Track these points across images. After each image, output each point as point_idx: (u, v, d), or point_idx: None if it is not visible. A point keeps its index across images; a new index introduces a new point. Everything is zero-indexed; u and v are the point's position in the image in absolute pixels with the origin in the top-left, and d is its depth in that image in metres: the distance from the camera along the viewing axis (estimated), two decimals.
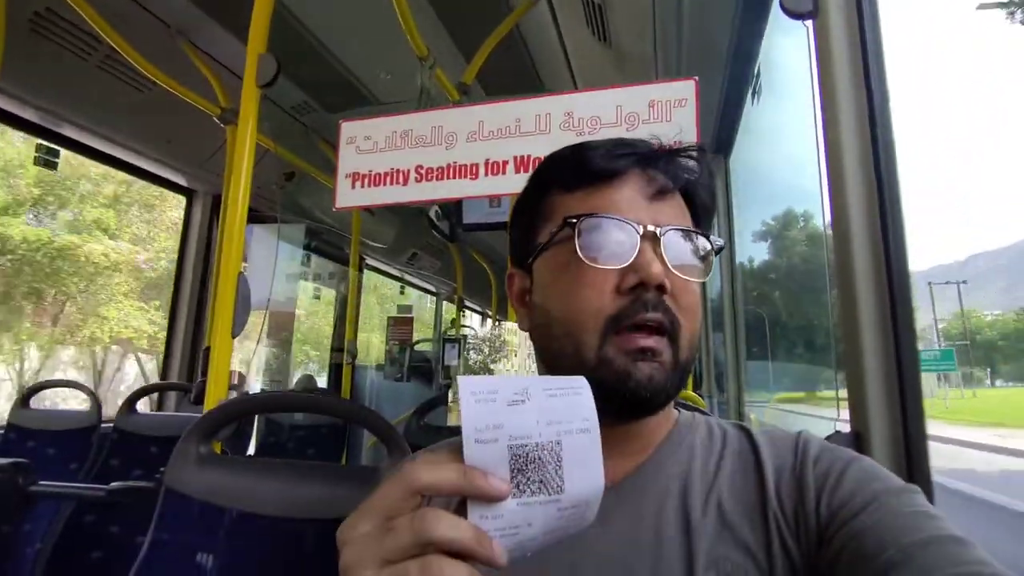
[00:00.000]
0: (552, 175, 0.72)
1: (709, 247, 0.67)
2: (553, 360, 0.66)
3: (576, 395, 0.44)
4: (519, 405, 0.42)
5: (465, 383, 0.42)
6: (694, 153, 0.70)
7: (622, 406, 0.61)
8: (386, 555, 0.40)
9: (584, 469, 0.43)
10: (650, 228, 0.63)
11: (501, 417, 0.42)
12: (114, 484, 1.29)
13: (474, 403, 0.41)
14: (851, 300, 0.94)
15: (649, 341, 0.61)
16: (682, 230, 0.65)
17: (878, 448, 0.87)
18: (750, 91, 2.57)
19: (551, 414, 0.42)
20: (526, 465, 0.42)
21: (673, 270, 0.63)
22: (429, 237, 4.75)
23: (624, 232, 0.63)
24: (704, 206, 0.71)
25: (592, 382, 0.52)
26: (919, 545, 0.48)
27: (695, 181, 0.70)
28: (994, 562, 0.47)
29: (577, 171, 0.68)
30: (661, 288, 0.61)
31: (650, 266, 0.61)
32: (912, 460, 0.86)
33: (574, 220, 0.64)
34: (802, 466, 0.61)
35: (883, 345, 0.90)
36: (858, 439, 0.89)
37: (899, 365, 0.88)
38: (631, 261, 0.62)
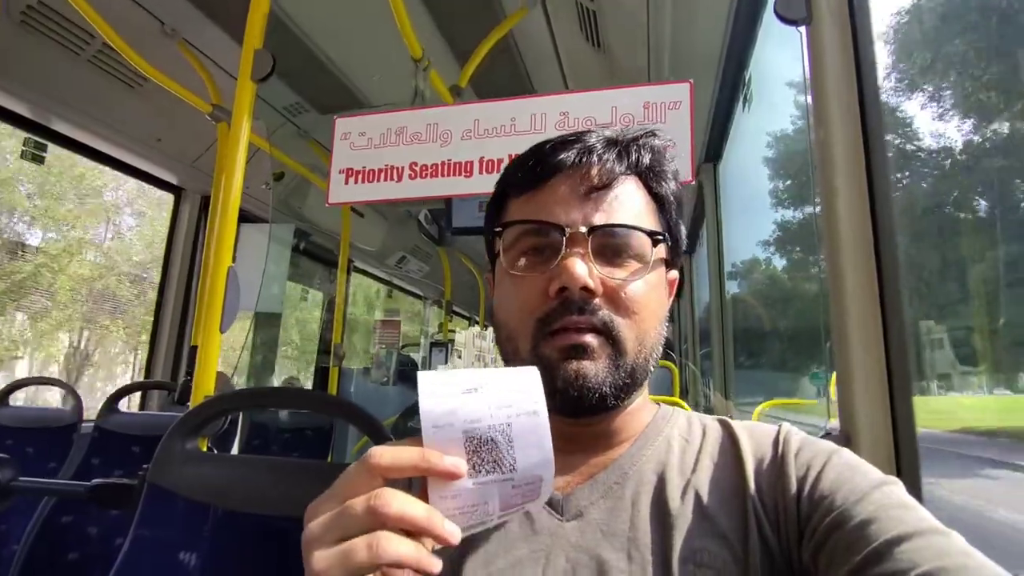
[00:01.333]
0: (505, 179, 0.72)
1: (647, 239, 0.65)
2: (505, 363, 0.67)
3: (526, 382, 0.47)
4: (473, 394, 0.46)
5: (424, 377, 0.46)
6: (646, 139, 0.70)
7: (562, 404, 0.62)
8: (342, 532, 0.42)
9: (534, 448, 0.46)
10: (580, 229, 0.63)
11: (455, 404, 0.45)
12: (95, 480, 1.27)
13: (431, 393, 0.45)
14: (842, 303, 0.94)
15: (578, 339, 0.61)
16: (614, 226, 0.64)
17: (868, 450, 0.87)
18: (741, 98, 2.59)
19: (502, 400, 0.46)
20: (480, 447, 0.45)
21: (606, 270, 0.63)
22: (418, 241, 4.75)
23: (549, 235, 0.64)
24: (665, 192, 0.70)
25: None
26: (902, 538, 0.48)
27: (645, 168, 0.69)
28: (977, 553, 0.48)
29: (522, 172, 0.69)
30: (588, 291, 0.61)
31: (572, 269, 0.61)
32: (901, 460, 0.86)
33: (500, 228, 0.67)
34: (783, 458, 0.61)
35: (873, 347, 0.90)
36: (848, 441, 0.90)
37: (888, 366, 0.89)
38: (555, 265, 0.62)
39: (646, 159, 0.68)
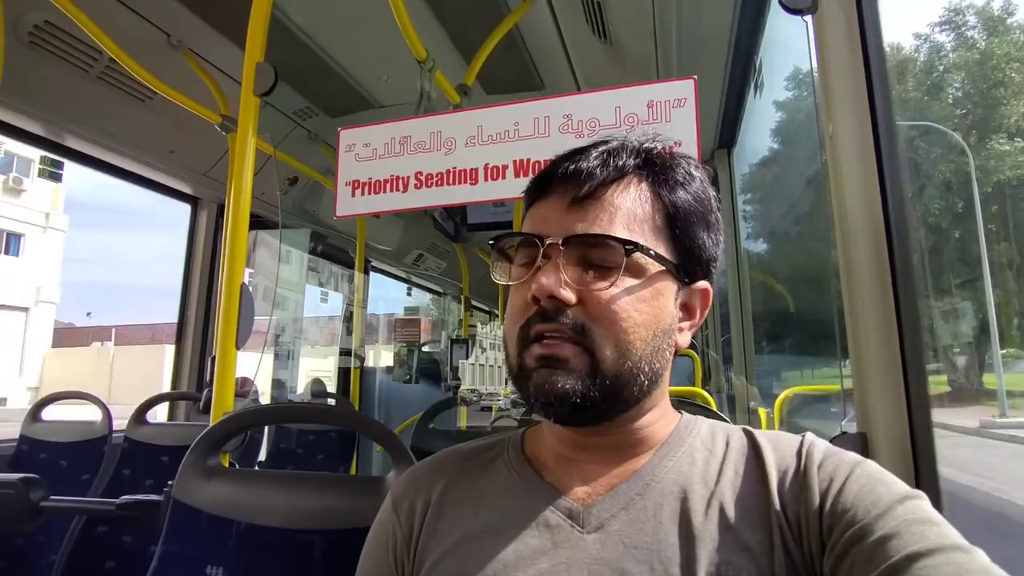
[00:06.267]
0: (526, 191, 0.74)
1: (620, 248, 0.64)
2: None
3: None
4: None
5: None
6: (653, 146, 0.70)
7: (542, 412, 0.64)
8: None
9: None
10: (554, 240, 0.64)
11: None
12: (123, 498, 1.30)
13: None
14: (855, 299, 0.93)
15: (548, 349, 0.62)
16: (585, 236, 0.64)
17: (885, 449, 0.86)
18: (752, 84, 2.56)
19: None
20: None
21: (579, 279, 0.63)
22: (434, 238, 4.76)
23: (529, 246, 0.66)
24: (675, 201, 0.68)
25: (520, 393, 0.64)
26: (922, 554, 0.48)
27: (657, 175, 0.68)
28: (998, 570, 0.47)
29: (535, 184, 0.71)
30: (557, 299, 0.62)
31: (540, 278, 0.62)
32: (919, 461, 0.85)
33: (492, 241, 0.70)
34: (806, 470, 0.60)
35: (888, 346, 0.89)
36: (864, 440, 0.89)
37: (904, 366, 0.87)
38: (530, 275, 0.64)
39: (632, 164, 0.68)
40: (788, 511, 0.59)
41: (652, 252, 0.65)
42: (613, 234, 0.64)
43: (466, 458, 0.75)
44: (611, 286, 0.63)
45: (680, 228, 0.68)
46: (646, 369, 0.64)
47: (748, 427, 0.69)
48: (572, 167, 0.67)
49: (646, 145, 0.71)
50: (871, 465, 0.60)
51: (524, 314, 0.64)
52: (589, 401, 0.61)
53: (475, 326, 6.35)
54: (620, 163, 0.67)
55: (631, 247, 0.64)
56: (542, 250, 0.64)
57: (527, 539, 0.63)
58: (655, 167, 0.69)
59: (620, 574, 0.59)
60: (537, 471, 0.70)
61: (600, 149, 0.69)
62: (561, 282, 0.62)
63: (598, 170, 0.66)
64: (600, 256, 0.64)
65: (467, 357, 5.18)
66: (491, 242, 0.70)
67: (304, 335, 4.54)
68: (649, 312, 0.64)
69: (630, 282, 0.64)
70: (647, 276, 0.65)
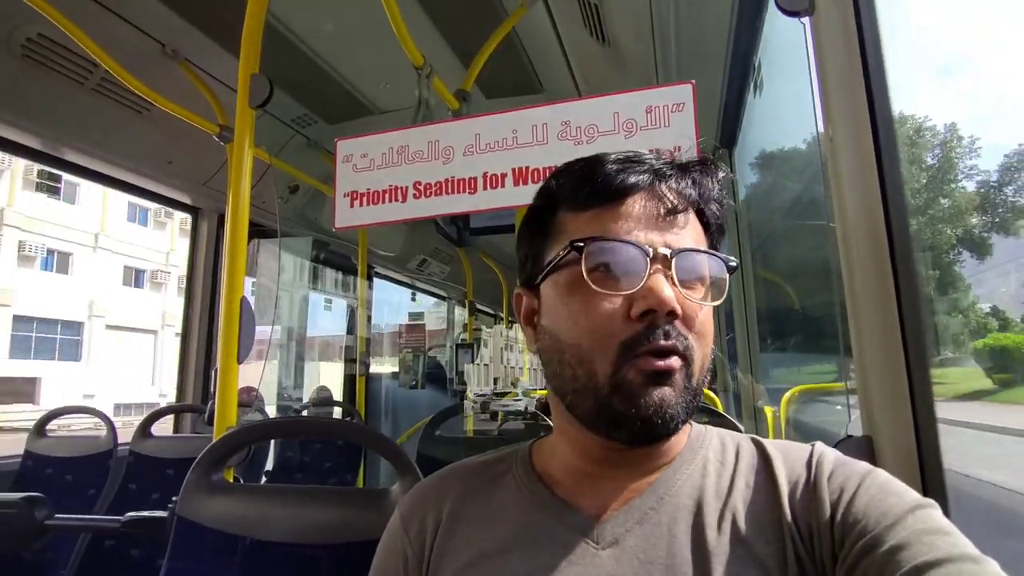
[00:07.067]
0: (560, 192, 0.70)
1: (723, 267, 0.65)
2: (564, 385, 0.65)
3: None
4: None
5: None
6: (707, 167, 0.69)
7: (633, 434, 0.60)
8: None
9: None
10: (661, 251, 0.61)
11: None
12: (128, 515, 1.29)
13: None
14: (858, 301, 0.92)
15: (663, 364, 0.59)
16: (694, 251, 0.63)
17: (890, 453, 0.86)
18: (752, 83, 2.55)
19: None
20: None
21: (685, 294, 0.61)
22: (437, 243, 4.76)
23: (633, 256, 0.62)
24: (717, 222, 0.69)
25: (605, 408, 0.59)
26: (932, 564, 0.48)
27: (708, 196, 0.68)
28: None
29: (586, 189, 0.66)
30: (672, 314, 0.60)
31: (661, 292, 0.59)
32: (925, 463, 0.84)
33: (581, 244, 0.63)
34: (816, 481, 0.60)
35: (892, 349, 0.88)
36: (870, 444, 0.88)
37: (908, 368, 0.87)
38: (641, 286, 0.60)
39: (708, 188, 0.68)
40: (800, 523, 0.58)
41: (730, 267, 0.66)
42: (710, 250, 0.65)
43: (473, 474, 0.75)
44: (705, 301, 0.63)
45: (718, 242, 0.69)
46: (705, 382, 0.65)
47: (757, 436, 0.69)
48: (654, 179, 0.65)
49: (709, 167, 0.70)
50: (881, 475, 0.59)
51: (625, 327, 0.61)
52: (684, 415, 0.61)
53: (479, 330, 6.36)
54: (699, 181, 0.67)
55: (734, 264, 0.65)
56: (649, 259, 0.61)
57: (541, 556, 0.62)
58: (714, 187, 0.69)
59: None
60: (548, 486, 0.69)
61: (665, 161, 0.68)
62: (676, 296, 0.61)
63: (686, 186, 0.66)
64: (701, 270, 0.64)
65: (472, 361, 5.18)
66: (580, 243, 0.63)
67: (309, 342, 4.53)
68: (713, 329, 0.65)
69: (711, 298, 0.64)
70: (723, 293, 0.65)
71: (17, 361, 21.20)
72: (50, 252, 22.86)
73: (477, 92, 2.48)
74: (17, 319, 21.27)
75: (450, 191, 1.42)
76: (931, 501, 0.55)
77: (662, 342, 0.59)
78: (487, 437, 3.82)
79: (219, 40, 2.42)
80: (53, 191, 22.99)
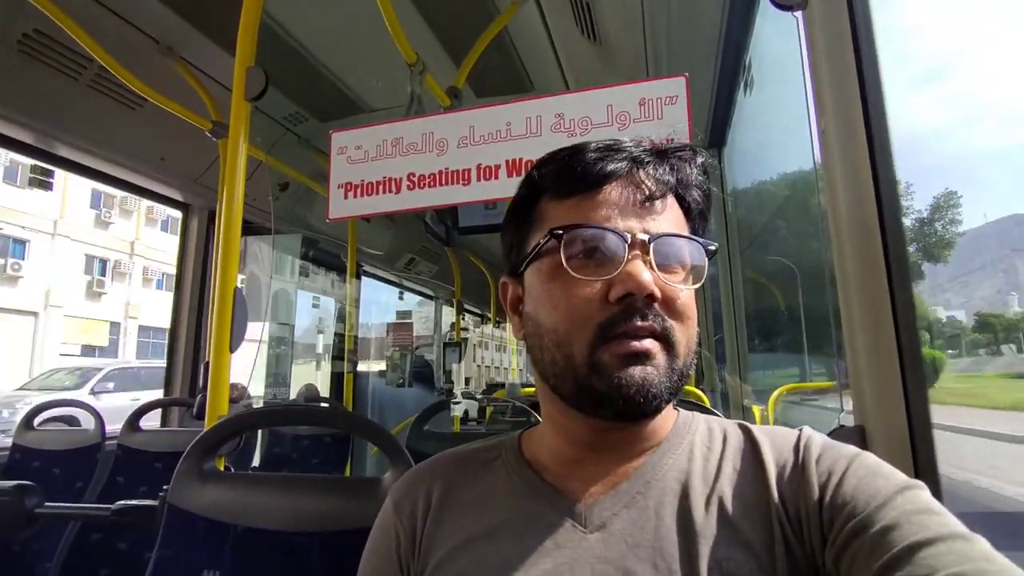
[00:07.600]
0: (542, 181, 0.70)
1: (703, 252, 0.66)
2: (546, 369, 0.66)
3: None
4: None
5: None
6: (686, 152, 0.69)
7: (616, 412, 0.61)
8: None
9: None
10: (639, 236, 0.62)
11: None
12: (118, 503, 1.29)
13: None
14: (850, 292, 0.93)
15: (640, 345, 0.60)
16: (673, 235, 0.64)
17: (883, 441, 0.87)
18: (742, 83, 2.56)
19: None
20: None
21: (664, 277, 0.62)
22: (426, 242, 4.75)
23: (612, 242, 0.63)
24: (698, 208, 0.70)
25: (584, 389, 0.60)
26: (924, 543, 0.48)
27: (688, 182, 0.69)
28: (1000, 557, 0.47)
29: (566, 177, 0.67)
30: (651, 297, 0.61)
31: (639, 276, 0.60)
32: (918, 452, 0.85)
33: (560, 232, 0.64)
34: (804, 464, 0.60)
35: (884, 338, 0.89)
36: (863, 433, 0.89)
37: (901, 357, 0.88)
38: (619, 271, 0.61)
39: (687, 173, 0.69)
40: (788, 506, 0.59)
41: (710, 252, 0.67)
42: (688, 235, 0.66)
43: (463, 460, 0.75)
44: (684, 284, 0.64)
45: (700, 227, 0.70)
46: (694, 362, 0.65)
47: (744, 422, 0.70)
48: (632, 166, 0.66)
49: (690, 153, 0.70)
50: (869, 457, 0.60)
51: (602, 310, 0.62)
52: (667, 395, 0.62)
53: (467, 329, 6.35)
54: (678, 167, 0.68)
55: (713, 249, 0.66)
56: (627, 245, 0.62)
57: (530, 540, 0.63)
58: (696, 172, 0.70)
59: (623, 573, 0.59)
60: (537, 472, 0.69)
61: (644, 148, 0.68)
62: (655, 280, 0.61)
63: (664, 171, 0.67)
64: (682, 256, 0.65)
65: (459, 361, 5.17)
66: (559, 231, 0.64)
67: (297, 340, 4.51)
68: (695, 310, 0.66)
69: (691, 281, 0.65)
70: (702, 276, 0.66)
71: None
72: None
73: (468, 91, 2.48)
74: None
75: (444, 183, 1.42)
76: (919, 482, 0.56)
77: (638, 322, 0.61)
78: (475, 432, 3.81)
79: (213, 37, 2.41)
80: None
